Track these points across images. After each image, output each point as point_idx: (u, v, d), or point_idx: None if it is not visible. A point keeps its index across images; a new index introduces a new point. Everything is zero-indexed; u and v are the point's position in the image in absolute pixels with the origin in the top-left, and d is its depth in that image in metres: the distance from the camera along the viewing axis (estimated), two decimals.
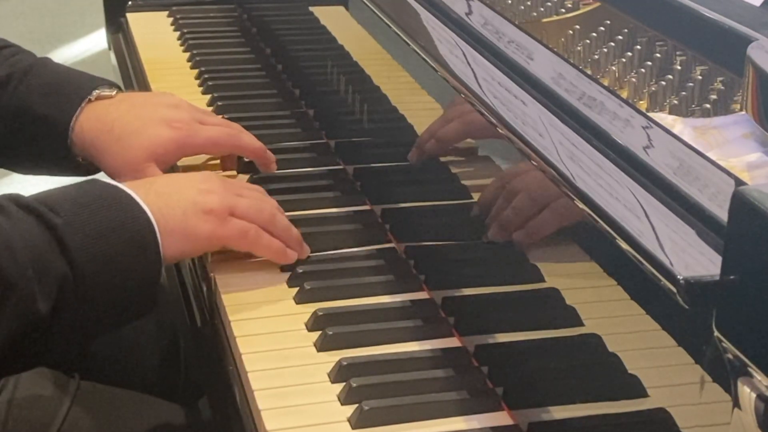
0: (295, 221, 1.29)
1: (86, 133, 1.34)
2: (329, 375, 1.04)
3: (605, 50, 1.11)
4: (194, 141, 1.34)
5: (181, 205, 1.14)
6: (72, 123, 1.35)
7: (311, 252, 1.23)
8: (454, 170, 1.19)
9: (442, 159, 1.22)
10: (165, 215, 1.12)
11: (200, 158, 1.42)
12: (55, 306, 1.04)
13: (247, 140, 1.38)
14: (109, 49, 2.10)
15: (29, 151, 1.40)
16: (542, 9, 1.24)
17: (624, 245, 0.79)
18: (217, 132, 1.37)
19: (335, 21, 1.63)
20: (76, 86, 1.38)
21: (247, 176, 1.41)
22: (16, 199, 1.08)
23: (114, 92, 1.39)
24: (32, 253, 1.03)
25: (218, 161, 1.42)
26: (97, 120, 1.35)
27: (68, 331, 1.07)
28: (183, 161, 1.40)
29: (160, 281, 1.12)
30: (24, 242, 1.03)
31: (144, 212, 1.10)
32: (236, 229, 1.17)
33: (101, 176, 1.36)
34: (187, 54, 1.87)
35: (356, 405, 0.99)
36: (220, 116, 1.52)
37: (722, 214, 0.73)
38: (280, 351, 1.09)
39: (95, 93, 1.37)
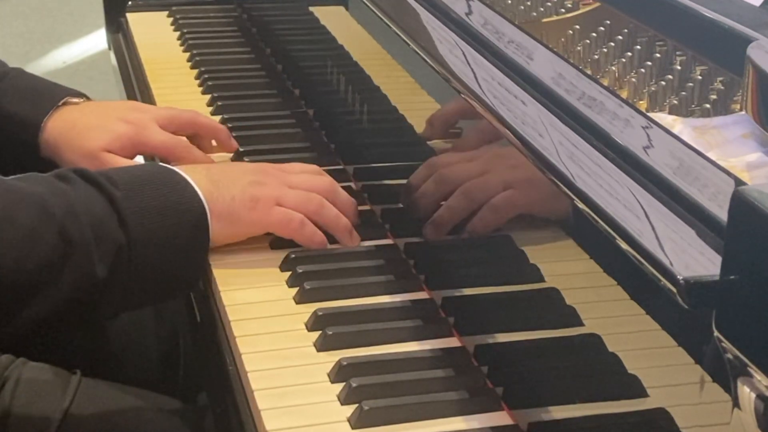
0: None
1: (51, 132, 1.44)
2: (329, 375, 1.04)
3: (605, 50, 1.11)
4: (148, 141, 1.43)
5: (231, 192, 1.21)
6: (42, 124, 1.44)
7: (311, 249, 1.24)
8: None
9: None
10: (215, 199, 1.19)
11: None
12: (110, 272, 1.11)
13: (196, 154, 1.45)
14: (109, 49, 2.10)
15: (1, 151, 1.47)
16: (542, 9, 1.24)
17: (624, 245, 0.79)
18: (171, 141, 1.44)
19: (335, 21, 1.63)
20: (48, 93, 1.49)
21: None
22: (80, 171, 1.16)
23: (81, 100, 1.49)
24: (93, 219, 1.11)
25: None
26: (62, 120, 1.45)
27: (119, 298, 1.14)
28: None
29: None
30: (86, 209, 1.12)
31: (197, 195, 1.18)
32: (280, 216, 1.22)
33: None
34: (187, 54, 1.87)
35: (356, 405, 0.99)
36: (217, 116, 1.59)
37: (722, 214, 0.73)
38: (279, 351, 1.09)
39: (64, 99, 1.47)
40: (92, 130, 1.41)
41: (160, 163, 1.24)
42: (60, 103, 1.46)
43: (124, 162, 1.40)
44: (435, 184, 1.18)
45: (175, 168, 1.21)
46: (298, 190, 1.25)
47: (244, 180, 1.23)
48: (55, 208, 1.11)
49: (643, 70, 1.05)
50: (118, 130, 1.41)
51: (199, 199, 1.18)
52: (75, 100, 1.48)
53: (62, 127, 1.43)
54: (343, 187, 1.36)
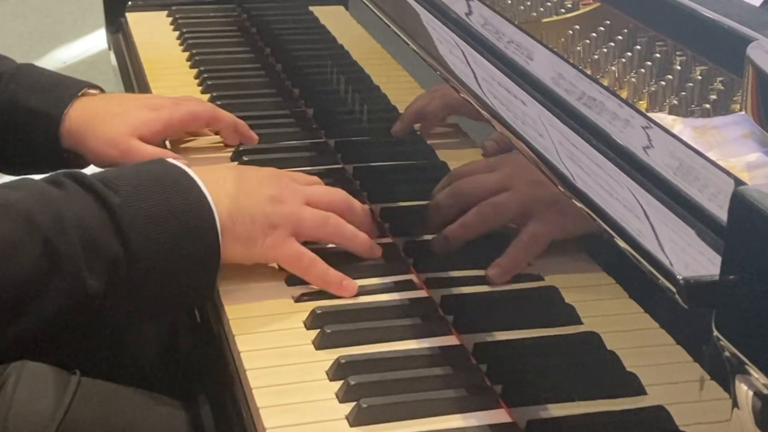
0: None
1: (73, 122, 1.44)
2: (327, 373, 1.04)
3: (605, 50, 1.11)
4: (175, 116, 1.44)
5: (251, 212, 1.15)
6: (63, 116, 1.44)
7: (310, 247, 1.23)
8: (453, 169, 1.19)
9: (441, 158, 1.22)
10: (235, 220, 1.14)
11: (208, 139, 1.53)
12: (106, 285, 1.06)
13: (222, 114, 1.48)
14: (109, 49, 2.10)
15: (20, 144, 1.47)
16: (542, 9, 1.24)
17: (624, 245, 0.79)
18: (195, 106, 1.48)
19: (335, 21, 1.63)
20: (65, 85, 1.48)
21: None
22: (75, 176, 1.11)
23: (98, 92, 1.50)
24: (84, 230, 1.06)
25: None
26: (83, 110, 1.44)
27: (120, 312, 1.10)
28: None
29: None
30: (77, 218, 1.06)
31: (205, 199, 1.12)
32: (291, 252, 1.17)
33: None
34: (187, 53, 1.87)
35: (354, 402, 0.99)
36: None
37: (722, 214, 0.73)
38: (278, 349, 1.09)
39: (82, 91, 1.47)
40: (116, 116, 1.42)
41: (171, 162, 1.17)
42: (79, 94, 1.46)
43: (151, 149, 1.40)
44: (450, 196, 1.14)
45: (186, 169, 1.15)
46: (315, 211, 1.20)
47: (263, 195, 1.18)
48: (41, 218, 1.06)
49: (643, 70, 1.05)
50: (143, 116, 1.42)
51: (208, 204, 1.12)
52: (93, 91, 1.49)
53: (85, 116, 1.43)
54: (345, 189, 1.36)
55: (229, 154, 1.49)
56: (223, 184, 1.16)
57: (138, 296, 1.09)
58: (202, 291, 1.14)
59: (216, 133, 1.51)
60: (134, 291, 1.09)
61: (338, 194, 1.25)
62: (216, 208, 1.13)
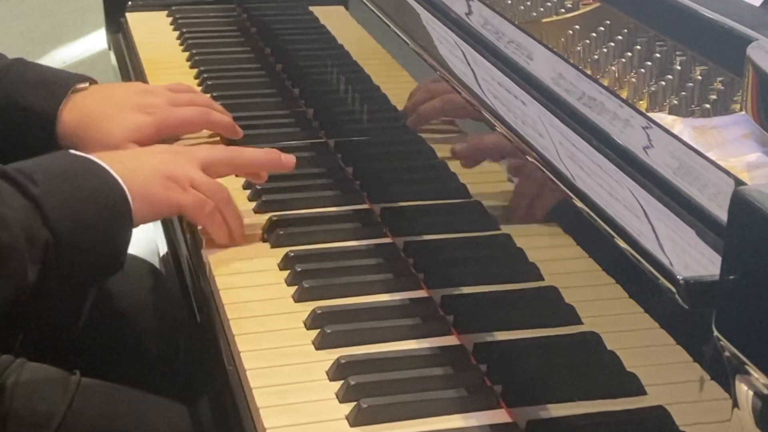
0: (293, 220, 1.30)
1: (67, 124, 1.44)
2: (328, 373, 1.04)
3: (605, 50, 1.11)
4: (169, 123, 1.45)
5: (144, 172, 1.20)
6: (57, 115, 1.44)
7: (310, 248, 1.24)
8: (453, 169, 1.19)
9: (441, 157, 1.22)
10: (128, 181, 1.18)
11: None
12: (39, 273, 1.09)
13: (217, 117, 1.49)
14: (109, 49, 2.10)
15: (17, 142, 1.47)
16: (542, 9, 1.24)
17: (624, 245, 0.79)
18: (190, 112, 1.48)
19: (335, 21, 1.63)
20: (57, 81, 1.49)
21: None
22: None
23: (87, 84, 1.49)
24: (20, 222, 1.08)
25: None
26: (77, 110, 1.45)
27: (51, 294, 1.12)
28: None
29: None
30: (12, 212, 1.09)
31: (116, 180, 1.17)
32: (195, 199, 1.22)
33: None
34: (187, 54, 1.87)
35: (354, 402, 0.99)
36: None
37: (722, 214, 0.73)
38: (278, 349, 1.09)
39: (72, 87, 1.47)
40: (110, 120, 1.42)
41: (74, 152, 1.22)
42: (70, 90, 1.46)
43: None
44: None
45: (90, 156, 1.20)
46: (209, 178, 1.25)
47: (155, 158, 1.24)
48: None
49: (643, 70, 1.05)
50: (137, 120, 1.43)
51: (119, 185, 1.17)
52: (82, 85, 1.48)
53: (79, 118, 1.44)
54: (345, 189, 1.36)
55: None
56: (115, 156, 1.22)
57: (65, 277, 1.13)
58: (117, 260, 1.18)
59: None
60: (62, 273, 1.12)
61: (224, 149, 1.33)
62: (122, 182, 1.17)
